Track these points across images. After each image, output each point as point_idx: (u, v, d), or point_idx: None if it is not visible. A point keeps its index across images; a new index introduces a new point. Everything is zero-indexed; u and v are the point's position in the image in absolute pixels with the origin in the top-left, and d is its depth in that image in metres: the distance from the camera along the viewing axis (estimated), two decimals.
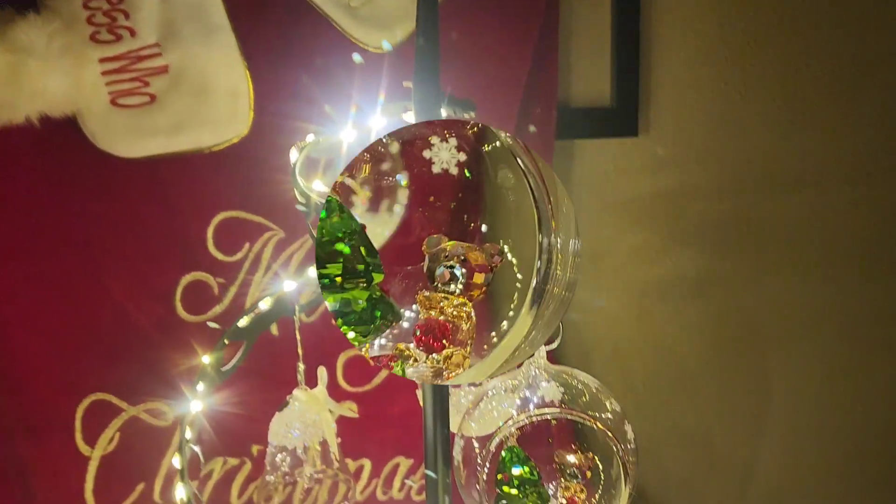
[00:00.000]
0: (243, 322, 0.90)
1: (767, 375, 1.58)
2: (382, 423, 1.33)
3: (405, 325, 0.59)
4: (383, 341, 0.58)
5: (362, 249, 0.57)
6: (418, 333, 0.57)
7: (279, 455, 0.97)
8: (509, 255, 0.59)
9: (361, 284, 0.57)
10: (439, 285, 0.58)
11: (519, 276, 0.58)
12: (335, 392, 1.28)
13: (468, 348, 0.57)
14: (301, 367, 0.95)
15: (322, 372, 1.01)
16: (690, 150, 1.45)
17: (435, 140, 0.59)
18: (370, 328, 0.57)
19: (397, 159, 0.61)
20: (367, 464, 1.35)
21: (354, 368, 1.33)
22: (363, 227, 0.58)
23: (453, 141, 0.59)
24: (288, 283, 0.90)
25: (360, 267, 0.57)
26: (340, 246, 0.56)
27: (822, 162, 1.50)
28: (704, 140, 1.45)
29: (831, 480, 1.62)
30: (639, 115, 1.40)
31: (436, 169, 0.59)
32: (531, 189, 0.57)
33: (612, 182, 1.42)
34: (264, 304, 0.90)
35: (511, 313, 0.57)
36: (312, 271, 0.86)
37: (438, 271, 0.57)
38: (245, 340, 0.92)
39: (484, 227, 0.60)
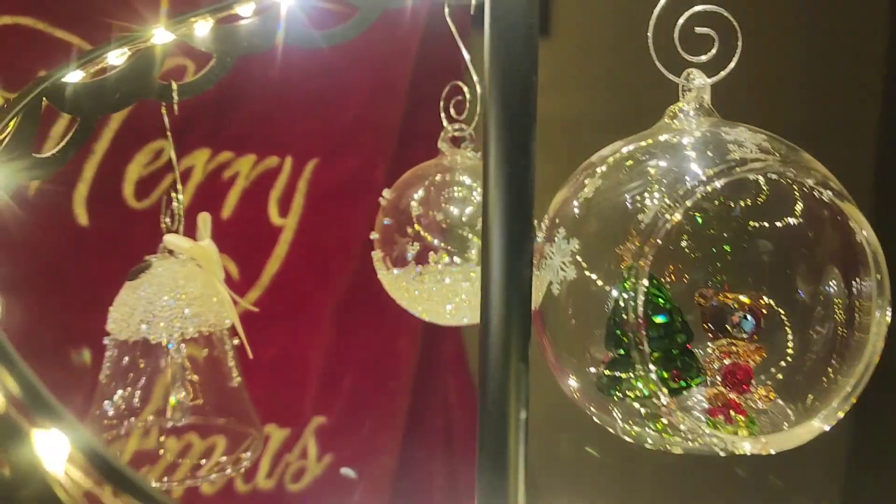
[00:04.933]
0: None
1: None
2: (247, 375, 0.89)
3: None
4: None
5: (677, 314, 0.65)
6: (725, 377, 0.66)
7: (126, 357, 0.55)
8: (771, 302, 0.69)
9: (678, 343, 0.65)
10: (731, 332, 0.67)
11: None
12: None
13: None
14: (178, 196, 0.63)
15: (205, 218, 0.69)
16: (601, 68, 1.28)
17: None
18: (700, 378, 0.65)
19: None
20: (220, 441, 0.91)
21: None
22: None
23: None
24: None
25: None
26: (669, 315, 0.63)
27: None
28: (618, 62, 1.26)
29: None
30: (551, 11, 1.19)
31: None
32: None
33: None
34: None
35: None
36: None
37: (738, 319, 0.66)
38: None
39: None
